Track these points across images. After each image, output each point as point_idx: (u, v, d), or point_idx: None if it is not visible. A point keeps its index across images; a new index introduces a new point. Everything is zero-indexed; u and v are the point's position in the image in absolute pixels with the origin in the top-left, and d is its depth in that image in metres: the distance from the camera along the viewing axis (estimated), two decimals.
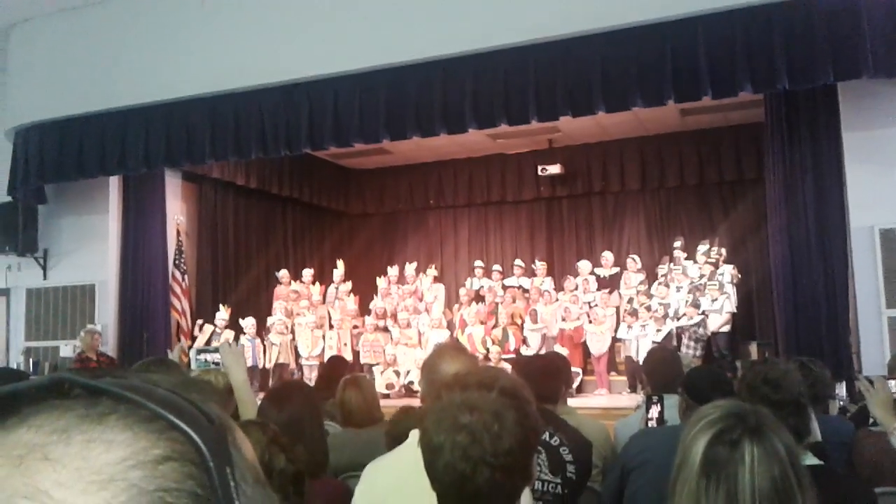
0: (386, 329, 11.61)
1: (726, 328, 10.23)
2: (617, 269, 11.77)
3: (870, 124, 7.39)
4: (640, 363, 7.63)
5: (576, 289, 11.43)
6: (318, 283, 12.30)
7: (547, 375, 3.41)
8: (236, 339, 10.07)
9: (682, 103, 8.68)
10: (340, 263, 12.77)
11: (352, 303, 12.06)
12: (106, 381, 0.43)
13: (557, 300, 11.23)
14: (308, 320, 11.44)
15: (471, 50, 7.61)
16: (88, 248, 10.26)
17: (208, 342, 9.97)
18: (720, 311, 10.13)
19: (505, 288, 11.92)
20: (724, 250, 11.09)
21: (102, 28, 9.22)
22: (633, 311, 10.42)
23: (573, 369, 8.20)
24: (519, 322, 11.10)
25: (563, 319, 10.83)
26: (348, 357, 10.81)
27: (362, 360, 11.25)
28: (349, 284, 12.45)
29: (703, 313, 10.09)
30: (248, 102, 8.60)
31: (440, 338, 10.52)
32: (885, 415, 2.97)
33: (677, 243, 11.62)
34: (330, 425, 3.78)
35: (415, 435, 1.70)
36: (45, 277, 10.43)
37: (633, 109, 8.03)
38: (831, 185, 7.63)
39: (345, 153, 12.23)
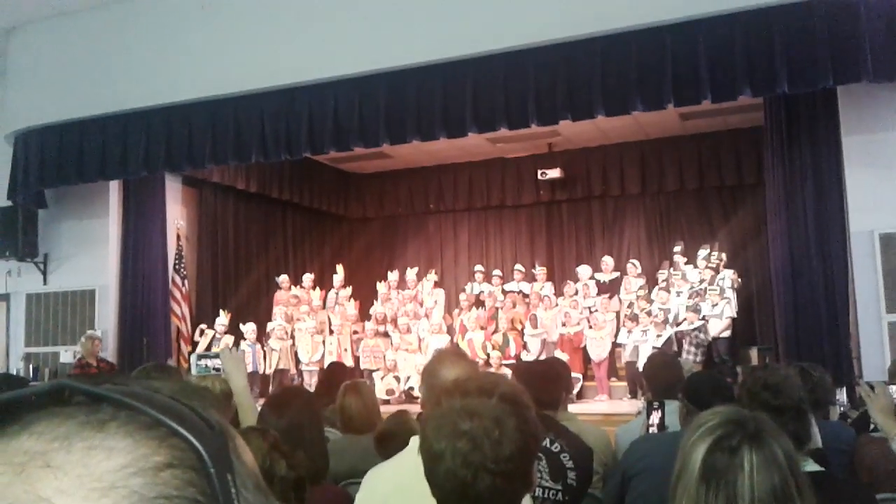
0: (386, 334, 11.60)
1: (727, 333, 10.22)
2: (617, 274, 11.77)
3: (870, 128, 7.40)
4: (641, 369, 7.62)
5: (576, 294, 11.43)
6: (318, 288, 12.29)
7: (547, 381, 3.41)
8: (236, 344, 10.05)
9: (682, 107, 8.69)
10: (340, 268, 12.77)
11: (352, 308, 12.05)
12: (106, 387, 0.43)
13: (557, 305, 11.23)
14: (308, 325, 11.43)
15: (471, 54, 7.62)
16: (88, 253, 10.26)
17: (208, 347, 9.97)
18: (720, 316, 10.13)
19: (505, 293, 11.91)
20: (724, 255, 11.09)
21: (102, 32, 9.23)
22: (634, 316, 10.42)
23: (573, 375, 8.20)
24: (519, 327, 11.09)
25: (564, 324, 10.82)
26: (348, 362, 10.81)
27: (362, 366, 11.25)
28: (349, 289, 12.45)
29: (703, 318, 10.08)
30: (248, 106, 8.61)
31: (440, 343, 10.51)
32: (886, 420, 2.96)
33: (677, 248, 11.62)
34: (330, 431, 3.77)
35: (415, 441, 1.69)
36: (45, 282, 10.42)
37: (633, 113, 8.04)
38: (831, 190, 7.63)
39: (345, 157, 12.24)
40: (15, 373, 9.46)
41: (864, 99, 7.35)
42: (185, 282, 10.84)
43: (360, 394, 3.90)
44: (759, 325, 11.19)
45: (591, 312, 11.02)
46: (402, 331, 11.37)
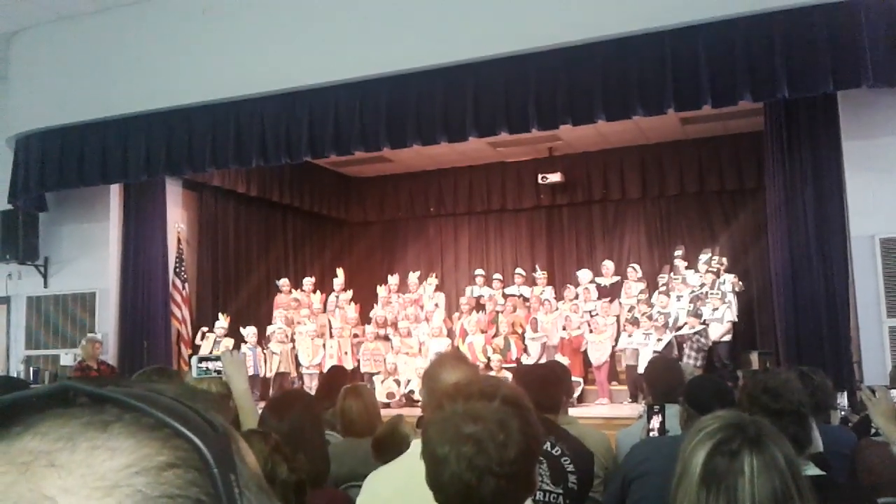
0: (386, 338, 11.60)
1: (727, 337, 10.22)
2: (617, 278, 11.77)
3: (870, 133, 7.40)
4: (642, 372, 7.61)
5: (576, 298, 11.43)
6: (318, 292, 12.30)
7: (547, 384, 3.40)
8: (237, 347, 10.05)
9: (683, 112, 8.69)
10: (341, 272, 12.77)
11: (352, 311, 12.05)
12: (110, 389, 0.43)
13: (558, 309, 11.23)
14: (308, 329, 11.44)
15: (471, 58, 7.63)
16: (89, 256, 10.27)
17: (210, 351, 9.97)
18: (721, 320, 10.12)
19: (506, 297, 11.91)
20: (725, 259, 11.09)
21: (103, 36, 9.25)
22: (634, 319, 10.42)
23: (574, 378, 8.19)
24: (519, 331, 11.09)
25: (564, 328, 10.82)
26: (349, 366, 10.80)
27: (363, 369, 11.24)
28: (350, 293, 12.45)
29: (704, 322, 10.08)
30: (248, 110, 8.63)
31: (441, 347, 10.51)
32: (887, 424, 2.96)
33: (678, 252, 11.62)
34: (331, 435, 3.77)
35: (416, 444, 1.69)
36: (45, 285, 10.43)
37: (634, 118, 8.05)
38: (831, 194, 7.64)
39: (345, 161, 12.24)
40: (15, 375, 9.45)
41: (864, 104, 7.36)
42: (186, 285, 10.85)
43: (361, 397, 3.90)
44: (759, 330, 11.19)
45: (591, 316, 11.01)
46: (403, 334, 11.37)
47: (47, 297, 10.39)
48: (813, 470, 2.16)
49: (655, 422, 3.35)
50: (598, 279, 11.84)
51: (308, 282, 12.38)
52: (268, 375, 11.04)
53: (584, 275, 11.83)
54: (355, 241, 14.96)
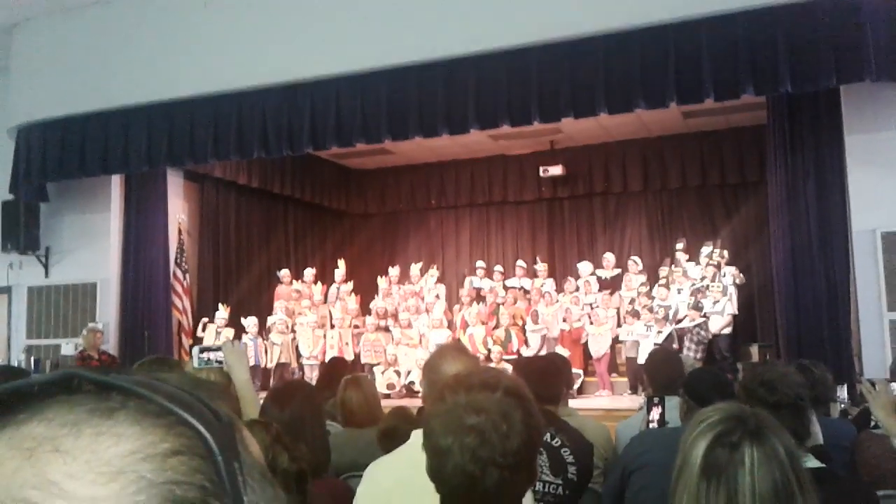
0: (387, 329, 11.61)
1: (728, 330, 10.23)
2: (618, 271, 11.77)
3: (872, 127, 7.39)
4: (642, 364, 7.62)
5: (577, 290, 11.44)
6: (319, 283, 12.31)
7: (547, 376, 3.41)
8: (237, 337, 10.08)
9: (685, 106, 8.67)
10: (342, 263, 12.78)
11: (353, 302, 12.07)
12: (115, 376, 0.44)
13: (558, 301, 11.24)
14: (309, 320, 11.45)
15: (473, 51, 7.61)
16: (90, 247, 10.28)
17: (213, 341, 9.99)
18: (722, 313, 10.13)
19: (506, 289, 11.92)
20: (726, 252, 11.09)
21: (105, 27, 9.23)
22: (635, 312, 10.43)
23: (574, 370, 8.20)
24: (520, 323, 11.11)
25: (564, 321, 10.83)
26: (349, 357, 10.83)
27: (363, 360, 11.26)
28: (350, 284, 12.46)
29: (704, 315, 10.09)
30: (250, 102, 8.62)
31: (441, 338, 10.52)
32: (887, 417, 2.97)
33: (679, 245, 11.62)
34: (331, 425, 3.78)
35: (416, 435, 1.69)
36: (46, 275, 10.44)
37: (636, 111, 8.03)
38: (833, 188, 7.63)
39: (346, 153, 12.24)
40: (16, 365, 9.48)
41: (866, 98, 7.34)
42: (187, 276, 10.86)
43: (361, 388, 3.91)
44: (760, 323, 11.20)
45: (591, 309, 11.02)
46: (403, 325, 11.39)
47: (48, 288, 10.40)
48: (813, 462, 2.17)
49: (655, 413, 3.36)
50: (598, 271, 11.84)
51: (309, 273, 12.39)
52: (268, 366, 11.07)
53: (585, 267, 11.83)
54: (356, 232, 14.96)
